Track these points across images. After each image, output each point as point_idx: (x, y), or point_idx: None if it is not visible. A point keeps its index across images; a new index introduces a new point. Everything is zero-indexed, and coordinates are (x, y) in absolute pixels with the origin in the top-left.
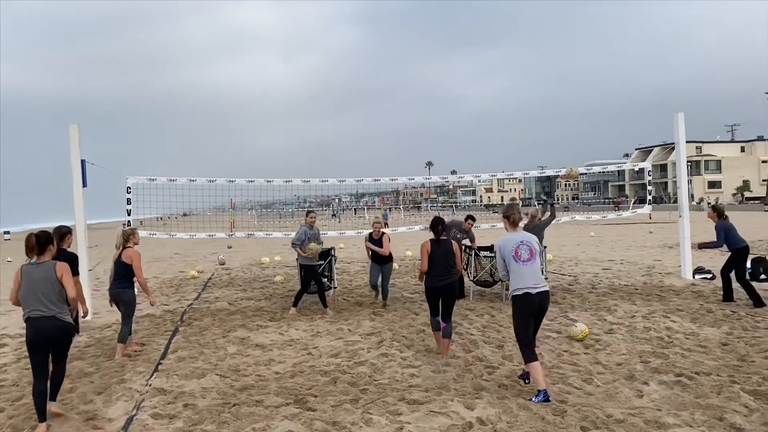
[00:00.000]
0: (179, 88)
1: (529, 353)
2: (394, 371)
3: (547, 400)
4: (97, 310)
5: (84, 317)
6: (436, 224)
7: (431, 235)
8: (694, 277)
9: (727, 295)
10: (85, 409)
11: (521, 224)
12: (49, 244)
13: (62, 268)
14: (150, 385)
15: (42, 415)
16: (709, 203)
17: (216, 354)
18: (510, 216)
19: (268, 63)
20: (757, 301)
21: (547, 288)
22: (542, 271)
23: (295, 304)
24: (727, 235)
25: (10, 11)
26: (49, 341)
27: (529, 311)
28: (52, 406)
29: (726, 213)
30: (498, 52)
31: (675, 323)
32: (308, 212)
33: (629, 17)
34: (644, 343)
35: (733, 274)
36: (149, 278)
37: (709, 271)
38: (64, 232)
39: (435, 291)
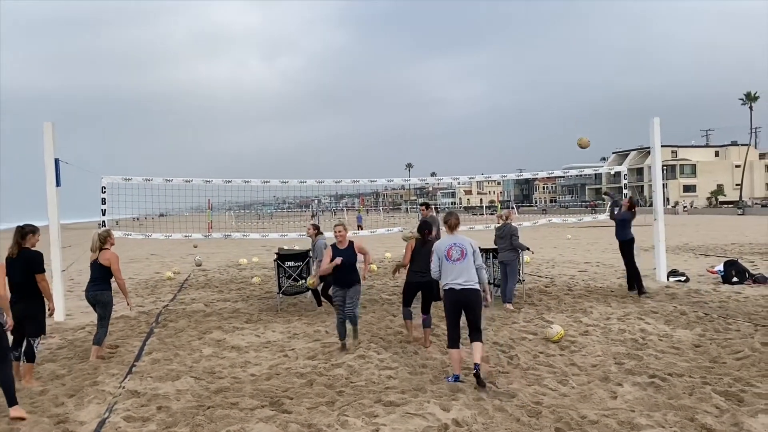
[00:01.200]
0: (156, 88)
1: (450, 342)
2: (371, 373)
3: (456, 381)
4: (70, 311)
5: (50, 315)
6: (424, 228)
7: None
8: (668, 279)
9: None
10: (56, 412)
11: (459, 228)
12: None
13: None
14: (123, 387)
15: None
16: (684, 207)
17: (191, 356)
18: (447, 221)
19: (247, 64)
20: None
21: (473, 286)
22: (478, 269)
23: (319, 304)
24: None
25: None
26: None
27: (453, 303)
28: (12, 411)
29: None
30: (478, 56)
31: (649, 325)
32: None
33: (607, 20)
34: (619, 344)
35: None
36: (124, 279)
37: (683, 274)
38: (26, 232)
39: (413, 286)
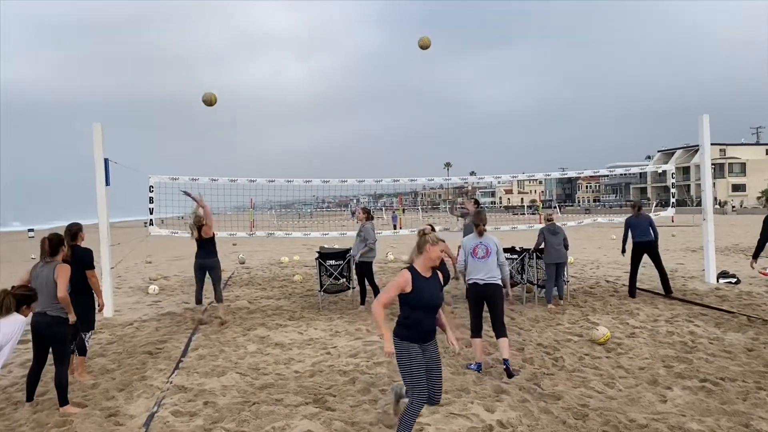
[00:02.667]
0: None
1: (474, 332)
2: None
3: (479, 370)
4: (119, 307)
5: (100, 311)
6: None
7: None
8: (718, 281)
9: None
10: (107, 405)
11: (486, 228)
12: (61, 246)
13: (60, 269)
14: (171, 382)
15: (30, 395)
16: (733, 207)
17: (236, 352)
18: (477, 225)
19: (285, 64)
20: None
21: (494, 281)
22: (501, 267)
23: (362, 302)
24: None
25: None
26: (40, 333)
27: (476, 297)
28: (64, 409)
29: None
30: (517, 53)
31: (699, 328)
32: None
33: (653, 16)
34: (667, 347)
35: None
36: (170, 276)
37: (733, 276)
38: (75, 231)
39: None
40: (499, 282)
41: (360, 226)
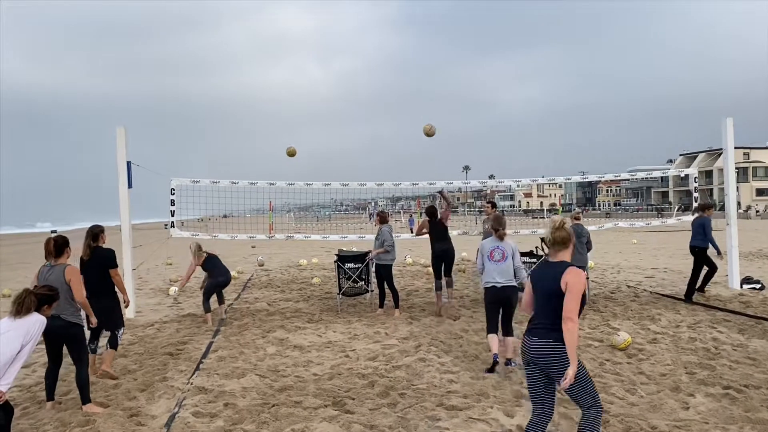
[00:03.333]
0: (218, 93)
1: (489, 329)
2: (432, 376)
3: (495, 362)
4: (140, 308)
5: (126, 307)
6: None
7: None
8: (741, 287)
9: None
10: (129, 405)
11: (507, 232)
12: (66, 248)
13: (70, 272)
14: (191, 383)
15: (50, 395)
16: (757, 211)
17: (256, 354)
18: (497, 230)
19: (305, 67)
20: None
21: (512, 284)
22: (516, 271)
23: (380, 305)
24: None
25: (56, 13)
26: (56, 338)
27: (493, 300)
28: (87, 408)
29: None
30: (537, 56)
31: (722, 334)
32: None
33: (677, 17)
34: (690, 353)
35: None
36: (190, 278)
37: (758, 281)
38: (96, 232)
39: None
40: (515, 285)
41: (378, 230)
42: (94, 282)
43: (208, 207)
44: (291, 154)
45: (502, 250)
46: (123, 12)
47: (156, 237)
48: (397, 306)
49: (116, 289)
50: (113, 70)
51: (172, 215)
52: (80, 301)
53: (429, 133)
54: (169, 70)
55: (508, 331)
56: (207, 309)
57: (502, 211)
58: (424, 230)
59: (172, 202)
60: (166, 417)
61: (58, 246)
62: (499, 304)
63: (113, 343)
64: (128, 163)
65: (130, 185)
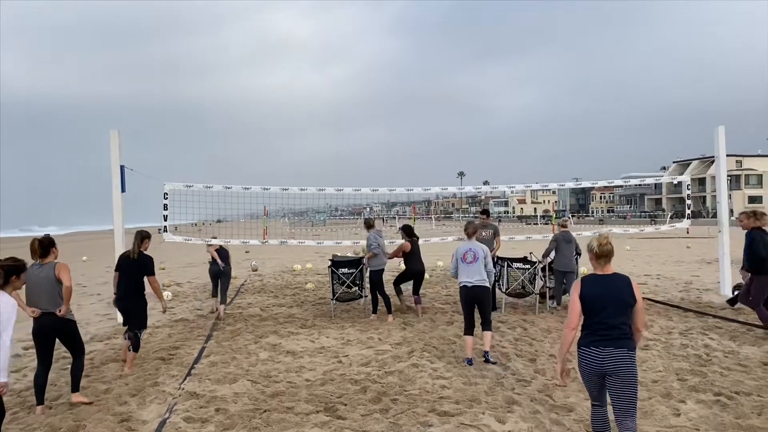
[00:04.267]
0: (216, 96)
1: (466, 330)
2: (424, 382)
3: (470, 363)
4: None
5: (164, 312)
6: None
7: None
8: (733, 293)
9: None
10: (120, 410)
11: (483, 234)
12: (52, 247)
13: (60, 268)
14: (183, 388)
15: (39, 398)
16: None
17: (248, 360)
18: (466, 230)
19: (302, 73)
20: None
21: (483, 283)
22: (488, 271)
23: (374, 311)
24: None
25: (52, 17)
26: (49, 335)
27: (466, 298)
28: (74, 397)
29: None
30: (531, 63)
31: (713, 341)
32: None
33: (670, 25)
34: (681, 360)
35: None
36: (183, 283)
37: None
38: (144, 237)
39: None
40: (487, 285)
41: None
42: (128, 283)
43: (201, 212)
44: None
45: (474, 252)
46: (119, 14)
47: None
48: (389, 312)
49: (147, 293)
50: (108, 73)
51: (165, 220)
52: (68, 285)
53: None
54: (165, 74)
55: (487, 326)
56: (213, 294)
57: (499, 217)
58: (404, 252)
59: (165, 207)
60: (157, 422)
61: (44, 246)
62: (472, 302)
63: (135, 347)
64: (122, 167)
65: (123, 189)
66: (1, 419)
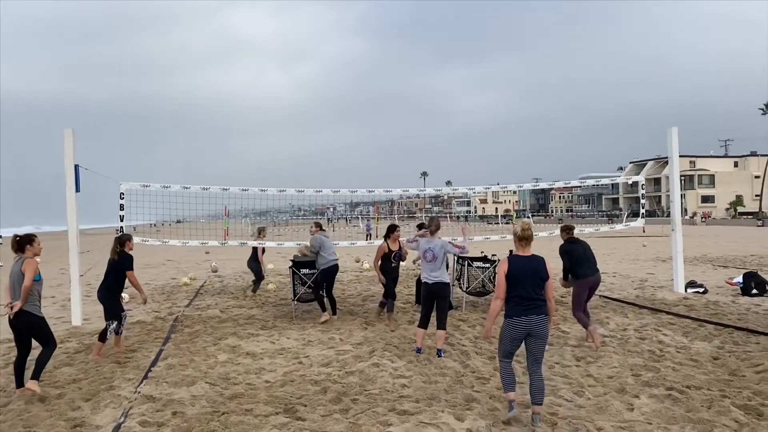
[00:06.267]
0: (173, 96)
1: (420, 323)
2: (384, 381)
3: (419, 352)
4: (87, 315)
5: (144, 303)
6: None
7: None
8: (686, 290)
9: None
10: (73, 416)
11: (438, 233)
12: (27, 244)
13: (27, 263)
14: (139, 392)
15: (19, 382)
16: (702, 218)
17: (206, 362)
18: (429, 226)
19: (265, 72)
20: None
21: (442, 280)
22: (447, 267)
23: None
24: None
25: (6, 14)
26: (17, 327)
27: (426, 293)
28: (30, 384)
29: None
30: (492, 65)
31: (667, 337)
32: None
33: (625, 26)
34: (636, 356)
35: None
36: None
37: (701, 285)
38: (123, 240)
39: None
40: (447, 281)
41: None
42: (111, 279)
43: (160, 212)
44: None
45: (433, 251)
46: (73, 12)
47: (105, 242)
48: (323, 310)
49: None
50: (62, 72)
51: (121, 220)
52: (25, 285)
53: None
54: (122, 73)
55: (441, 325)
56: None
57: (466, 217)
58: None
59: (122, 207)
60: (112, 426)
61: (19, 242)
62: (432, 297)
63: (114, 332)
64: (76, 167)
65: (77, 189)
66: None
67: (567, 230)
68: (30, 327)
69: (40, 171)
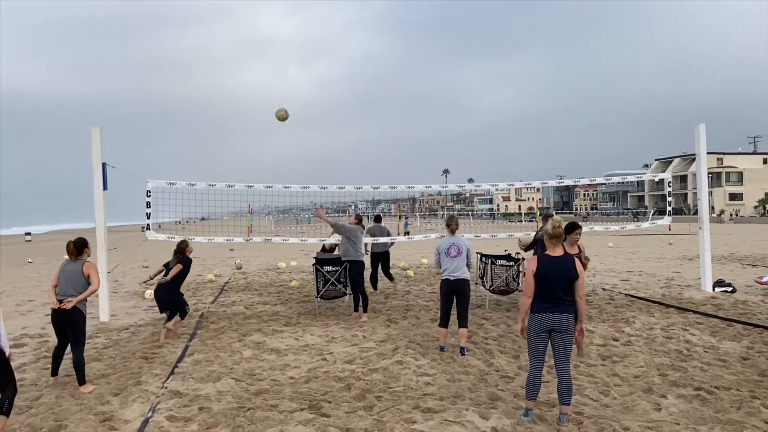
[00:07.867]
0: (199, 94)
1: (441, 322)
2: (408, 379)
3: (442, 350)
4: (115, 311)
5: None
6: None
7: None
8: (714, 290)
9: None
10: (102, 410)
11: (457, 232)
12: (84, 247)
13: (88, 267)
14: (166, 387)
15: (54, 371)
16: (731, 216)
17: (232, 358)
18: (449, 225)
19: (285, 70)
20: None
21: (464, 277)
22: (468, 265)
23: (355, 309)
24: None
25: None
26: (58, 320)
27: (447, 291)
28: (83, 389)
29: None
30: (517, 61)
31: (694, 336)
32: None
33: (650, 23)
34: (663, 355)
35: None
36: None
37: (729, 284)
38: (183, 247)
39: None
40: (468, 278)
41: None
42: (174, 281)
43: (185, 209)
44: (281, 118)
45: (458, 246)
46: (99, 10)
47: (132, 239)
48: (356, 309)
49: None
50: (89, 70)
51: (148, 217)
52: (94, 288)
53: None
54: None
55: (463, 323)
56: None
57: (483, 214)
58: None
59: (148, 205)
60: (140, 421)
61: (77, 247)
62: (452, 294)
63: (183, 314)
64: (103, 165)
65: (105, 187)
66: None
67: (547, 219)
68: (74, 322)
69: (68, 169)
